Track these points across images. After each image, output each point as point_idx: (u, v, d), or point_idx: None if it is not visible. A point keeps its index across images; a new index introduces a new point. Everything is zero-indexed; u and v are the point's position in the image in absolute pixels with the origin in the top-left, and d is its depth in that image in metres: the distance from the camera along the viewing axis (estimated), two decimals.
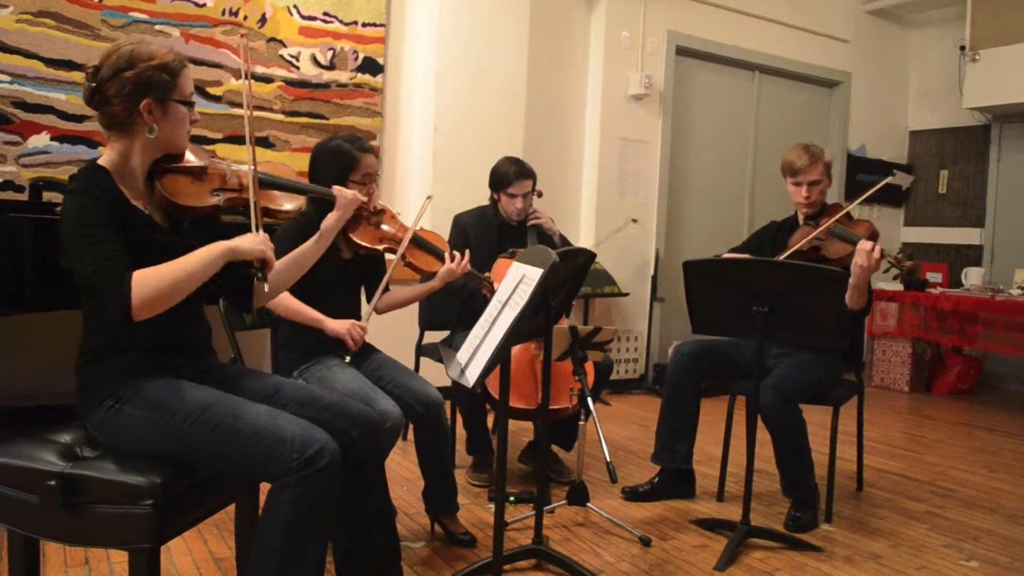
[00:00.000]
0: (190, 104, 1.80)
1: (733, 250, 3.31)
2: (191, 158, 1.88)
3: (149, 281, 1.57)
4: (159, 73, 1.72)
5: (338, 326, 2.47)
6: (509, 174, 3.32)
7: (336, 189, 2.26)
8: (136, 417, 1.67)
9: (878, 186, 3.25)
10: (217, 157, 1.95)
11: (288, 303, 2.46)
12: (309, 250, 2.08)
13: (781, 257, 2.94)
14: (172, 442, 1.66)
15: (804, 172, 3.09)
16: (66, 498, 1.58)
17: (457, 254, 2.67)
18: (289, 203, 2.04)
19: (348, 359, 2.48)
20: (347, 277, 2.62)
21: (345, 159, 2.51)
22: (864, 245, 2.79)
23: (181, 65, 1.77)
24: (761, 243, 3.28)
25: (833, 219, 3.00)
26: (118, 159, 1.76)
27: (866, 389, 3.86)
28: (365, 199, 2.39)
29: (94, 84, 1.71)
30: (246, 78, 1.91)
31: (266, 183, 1.98)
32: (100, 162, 1.75)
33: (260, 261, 1.77)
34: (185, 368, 1.79)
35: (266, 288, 1.84)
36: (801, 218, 3.22)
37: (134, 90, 1.70)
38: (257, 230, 1.81)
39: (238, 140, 4.03)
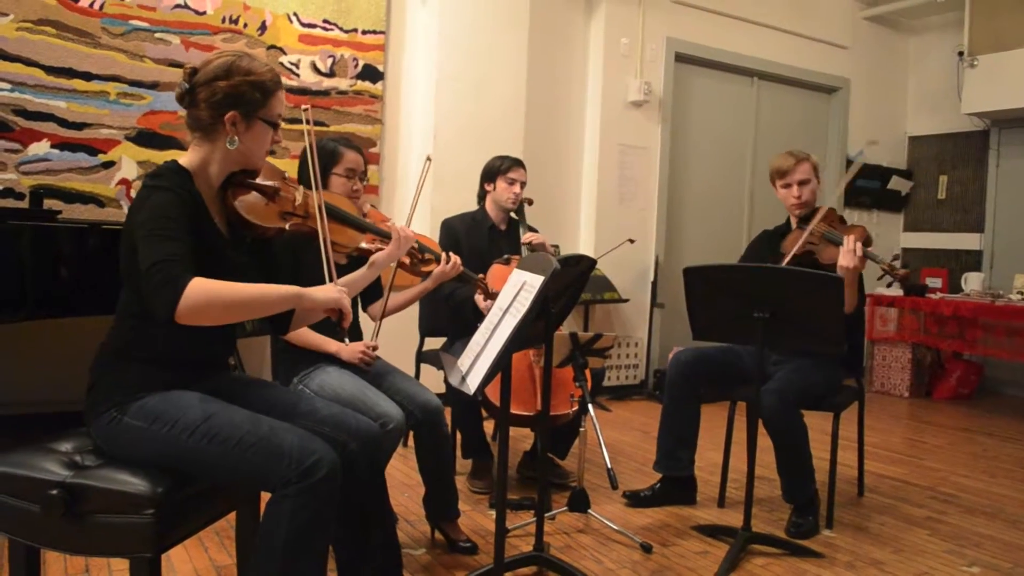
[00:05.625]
0: (276, 125, 1.81)
1: None
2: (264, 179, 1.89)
3: (205, 291, 1.54)
4: (252, 90, 1.74)
5: (352, 355, 2.51)
6: (506, 162, 3.41)
7: (391, 225, 2.26)
8: (136, 428, 1.67)
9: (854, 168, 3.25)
10: (289, 179, 1.96)
11: (307, 337, 2.49)
12: (361, 279, 2.08)
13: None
14: (172, 453, 1.65)
15: (792, 172, 3.15)
16: (68, 507, 1.57)
17: (452, 255, 2.66)
18: (346, 239, 2.06)
19: (347, 341, 2.50)
20: None
21: (328, 153, 2.57)
22: (846, 245, 2.84)
23: (276, 86, 1.79)
24: (758, 255, 3.28)
25: (818, 218, 3.04)
26: (199, 163, 1.77)
27: (866, 395, 3.86)
28: (414, 238, 2.40)
29: (188, 85, 1.73)
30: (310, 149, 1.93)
31: (333, 217, 1.99)
32: (182, 163, 1.76)
33: (336, 313, 1.77)
34: (196, 384, 1.78)
35: (346, 342, 1.84)
36: (794, 222, 3.24)
37: (224, 100, 1.72)
38: (331, 279, 1.82)
39: None
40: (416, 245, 2.49)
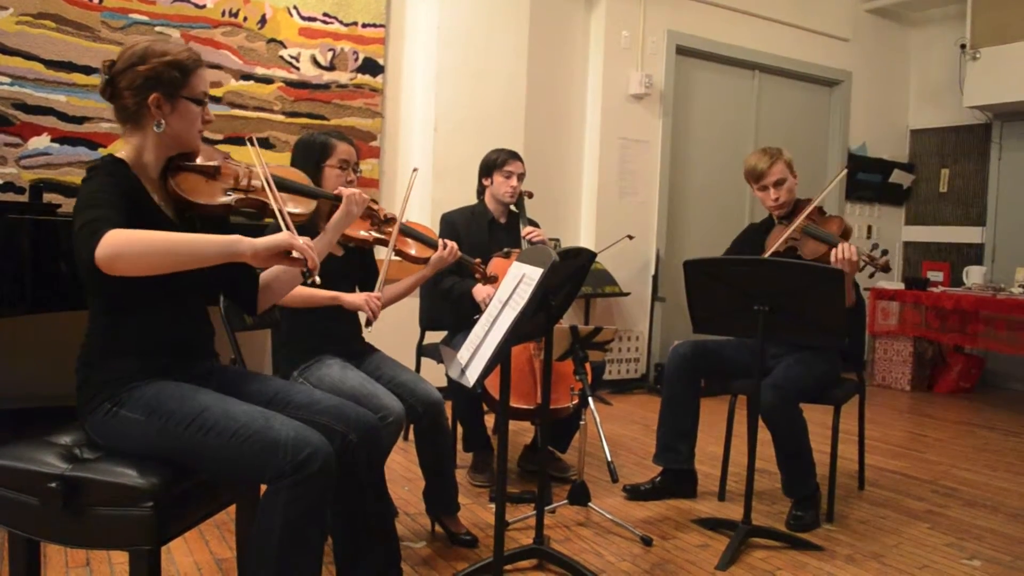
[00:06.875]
0: (200, 102, 1.80)
1: None
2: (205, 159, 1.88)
3: (125, 235, 1.50)
4: (170, 70, 1.73)
5: (355, 299, 2.48)
6: (501, 155, 3.41)
7: (342, 189, 2.24)
8: (132, 421, 1.67)
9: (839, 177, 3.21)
10: (231, 159, 1.95)
11: (303, 292, 2.43)
12: (320, 246, 2.05)
13: None
14: (167, 446, 1.65)
15: (768, 174, 3.13)
16: (67, 500, 1.57)
17: (449, 242, 2.68)
18: (299, 207, 2.03)
19: (370, 329, 2.48)
20: (342, 276, 2.61)
21: (320, 146, 2.55)
22: (840, 250, 2.79)
23: (195, 64, 1.78)
24: (741, 250, 3.26)
25: (804, 215, 3.00)
26: (134, 153, 1.77)
27: (867, 388, 3.86)
28: (371, 199, 2.39)
29: (108, 76, 1.74)
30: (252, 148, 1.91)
31: (278, 185, 1.95)
32: (118, 155, 1.76)
33: (299, 262, 1.71)
34: (185, 372, 1.79)
35: (317, 280, 1.77)
36: (776, 220, 3.22)
37: (144, 84, 1.72)
38: (289, 228, 1.75)
39: (239, 141, 4.03)
40: (374, 205, 2.46)
